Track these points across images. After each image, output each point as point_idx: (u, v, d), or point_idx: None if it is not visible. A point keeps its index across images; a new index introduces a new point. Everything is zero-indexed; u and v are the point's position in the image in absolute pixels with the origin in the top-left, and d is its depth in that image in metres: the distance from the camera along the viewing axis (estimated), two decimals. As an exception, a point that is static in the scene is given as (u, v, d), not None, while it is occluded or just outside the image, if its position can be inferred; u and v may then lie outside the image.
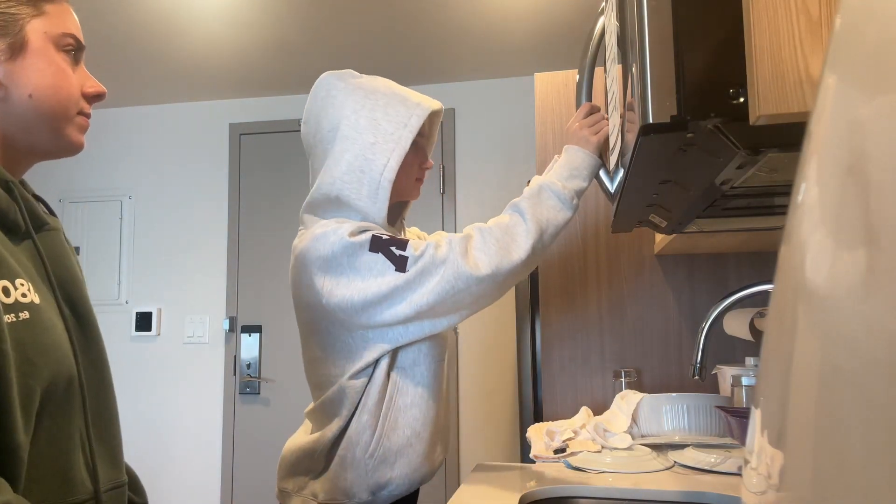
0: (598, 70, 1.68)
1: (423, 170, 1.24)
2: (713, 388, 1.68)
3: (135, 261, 3.36)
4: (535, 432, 1.52)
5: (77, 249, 3.39)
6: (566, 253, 1.83)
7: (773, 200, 0.91)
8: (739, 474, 1.22)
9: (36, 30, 0.73)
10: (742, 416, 1.14)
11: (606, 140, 1.16)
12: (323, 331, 1.15)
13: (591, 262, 1.81)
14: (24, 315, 0.64)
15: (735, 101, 0.59)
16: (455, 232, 3.11)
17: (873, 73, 0.25)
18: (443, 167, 3.16)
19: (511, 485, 1.21)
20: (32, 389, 0.63)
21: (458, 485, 2.83)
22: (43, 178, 3.46)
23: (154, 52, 2.80)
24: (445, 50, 2.83)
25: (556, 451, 1.40)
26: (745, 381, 1.32)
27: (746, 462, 0.38)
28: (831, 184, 0.28)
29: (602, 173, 1.19)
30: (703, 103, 0.60)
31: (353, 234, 1.10)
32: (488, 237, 1.10)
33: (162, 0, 2.39)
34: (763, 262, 1.74)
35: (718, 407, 1.24)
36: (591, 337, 1.79)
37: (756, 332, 1.35)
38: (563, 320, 1.81)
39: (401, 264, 1.08)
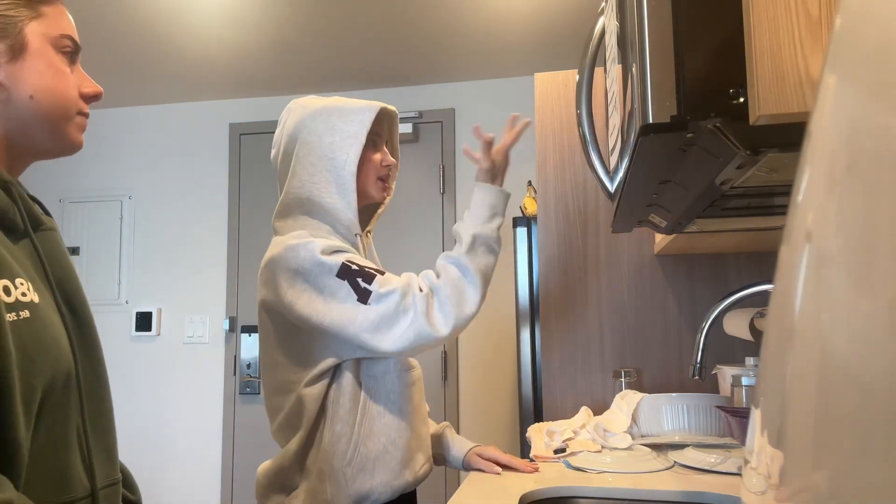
0: (598, 70, 1.68)
1: (385, 167, 1.29)
2: (713, 388, 1.68)
3: (135, 261, 3.36)
4: (535, 432, 1.52)
5: (77, 249, 3.40)
6: (566, 253, 1.83)
7: (773, 200, 0.91)
8: (739, 474, 1.22)
9: (34, 32, 0.74)
10: (742, 416, 1.14)
11: (505, 162, 1.30)
12: (283, 332, 1.17)
13: (591, 262, 1.81)
14: (25, 314, 0.65)
15: (735, 101, 0.59)
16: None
17: (873, 73, 0.25)
18: (443, 167, 3.15)
19: (511, 485, 1.21)
20: (33, 387, 0.64)
21: (458, 485, 2.83)
22: (43, 178, 3.46)
23: (154, 52, 2.80)
24: (445, 50, 2.83)
25: (556, 451, 1.40)
26: (745, 381, 1.32)
27: (746, 462, 0.38)
28: (831, 184, 0.28)
29: (602, 173, 1.19)
30: (703, 103, 0.60)
31: (324, 252, 1.13)
32: (445, 299, 1.15)
33: (162, 0, 2.39)
34: (763, 262, 1.74)
35: (718, 407, 1.24)
36: (591, 337, 1.79)
37: (756, 332, 1.35)
38: (562, 320, 1.81)
39: (364, 296, 1.12)
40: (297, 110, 1.26)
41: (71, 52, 0.78)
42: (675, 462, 1.33)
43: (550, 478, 1.25)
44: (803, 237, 0.30)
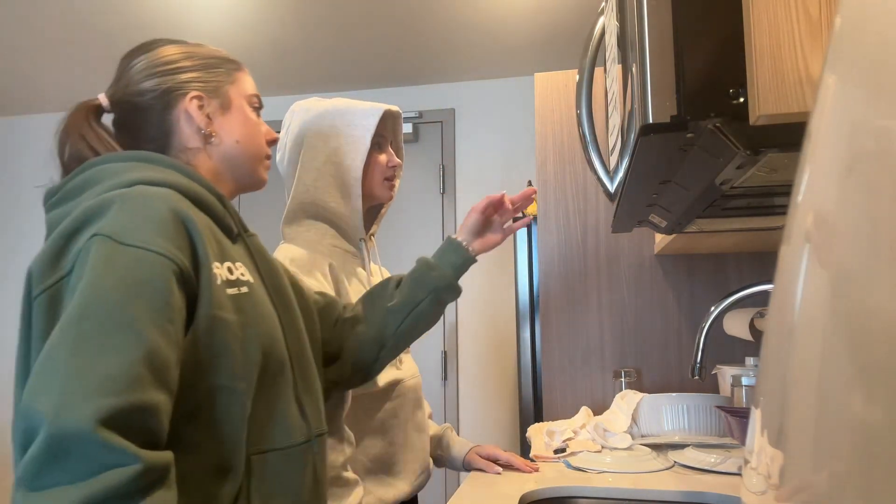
0: (598, 70, 1.68)
1: (391, 168, 1.28)
2: (713, 388, 1.69)
3: (135, 261, 3.35)
4: (535, 432, 1.52)
5: (77, 249, 3.40)
6: (566, 253, 1.83)
7: (773, 200, 0.91)
8: (739, 474, 1.22)
9: (234, 92, 0.95)
10: (742, 416, 1.14)
11: None
12: None
13: (591, 262, 1.81)
14: (244, 290, 0.82)
15: (735, 101, 0.59)
16: (455, 229, 3.11)
17: (873, 73, 0.25)
18: (443, 167, 3.16)
19: (511, 485, 1.21)
20: (251, 345, 0.79)
21: (458, 485, 2.83)
22: (43, 178, 3.46)
23: (154, 52, 2.80)
24: (445, 50, 2.83)
25: (556, 451, 1.40)
26: (745, 381, 1.32)
27: (746, 462, 0.38)
28: (831, 184, 0.28)
29: (602, 173, 1.19)
30: (703, 103, 0.60)
31: None
32: None
33: (162, 1, 2.39)
34: (763, 262, 1.74)
35: (718, 407, 1.24)
36: (591, 337, 1.79)
37: (756, 332, 1.36)
38: (563, 320, 1.81)
39: None
40: (301, 113, 1.25)
41: (258, 107, 0.99)
42: (675, 462, 1.33)
43: (550, 478, 1.25)
44: (803, 237, 0.30)
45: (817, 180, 0.30)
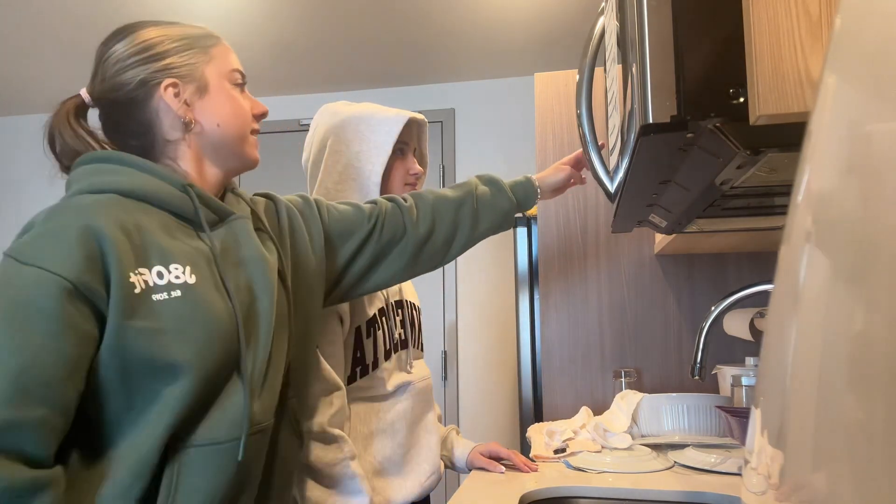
0: (598, 70, 1.68)
1: (412, 175, 1.30)
2: (713, 388, 1.69)
3: (135, 261, 3.35)
4: (535, 432, 1.52)
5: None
6: (566, 253, 1.83)
7: (773, 200, 0.91)
8: (739, 474, 1.22)
9: (212, 72, 0.90)
10: (742, 416, 1.14)
11: None
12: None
13: (591, 262, 1.81)
14: (175, 293, 0.78)
15: (735, 101, 0.59)
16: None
17: (873, 73, 0.25)
18: (443, 167, 3.16)
19: (511, 485, 1.21)
20: (177, 348, 0.76)
21: (458, 485, 2.83)
22: (42, 179, 3.46)
23: (154, 52, 2.80)
24: (445, 50, 2.83)
25: (556, 451, 1.40)
26: (745, 381, 1.32)
27: (746, 462, 0.38)
28: (831, 184, 0.28)
29: (602, 173, 1.19)
30: (703, 103, 0.60)
31: None
32: None
33: (163, 0, 2.39)
34: (763, 262, 1.74)
35: (718, 407, 1.24)
36: (591, 337, 1.79)
37: (756, 332, 1.36)
38: (563, 320, 1.81)
39: None
40: (328, 116, 1.27)
41: (240, 83, 0.93)
42: (675, 462, 1.33)
43: (550, 478, 1.25)
44: (803, 237, 0.30)
45: (817, 180, 0.30)
